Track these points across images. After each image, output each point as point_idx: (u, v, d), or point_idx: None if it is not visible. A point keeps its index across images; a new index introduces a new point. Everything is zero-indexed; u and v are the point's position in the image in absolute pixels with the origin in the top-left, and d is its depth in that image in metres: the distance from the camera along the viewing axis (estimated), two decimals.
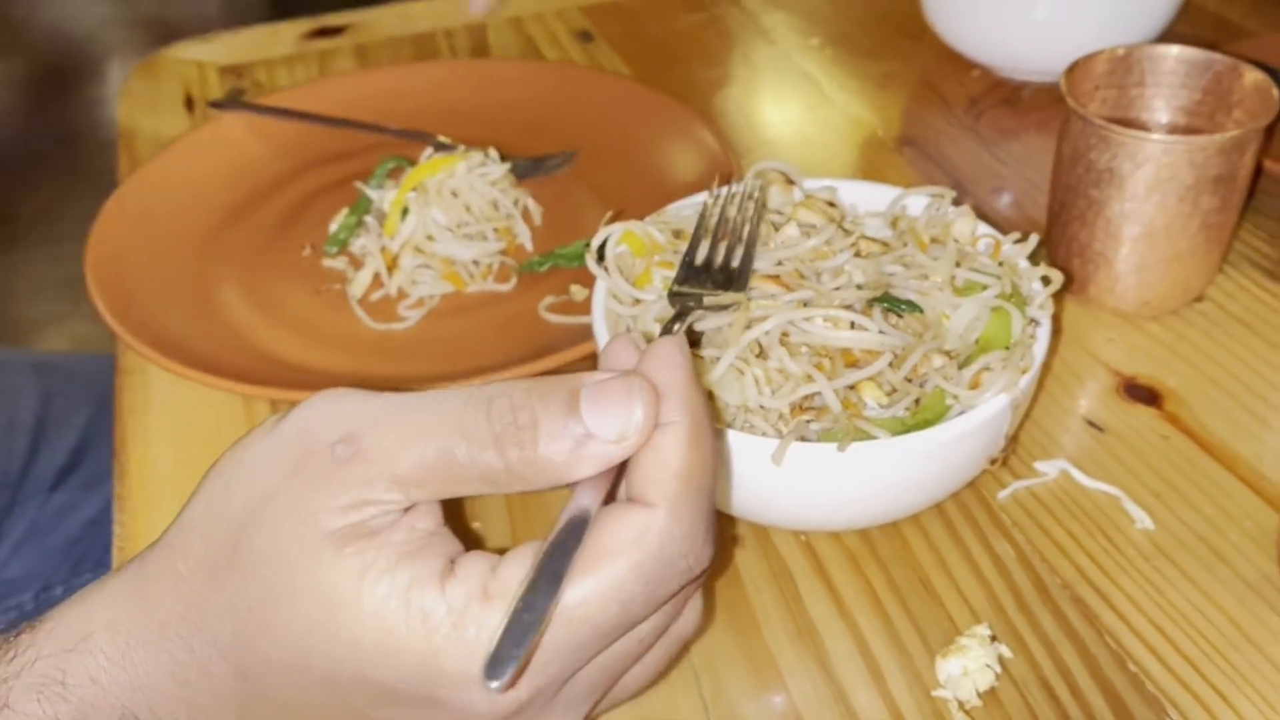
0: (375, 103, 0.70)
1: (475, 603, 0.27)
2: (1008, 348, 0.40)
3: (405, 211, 0.56)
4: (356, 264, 0.58)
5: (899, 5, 0.84)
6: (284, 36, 0.84)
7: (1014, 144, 0.69)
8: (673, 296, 0.40)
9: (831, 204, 0.47)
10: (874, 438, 0.37)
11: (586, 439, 0.28)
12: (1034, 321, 0.42)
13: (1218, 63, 0.51)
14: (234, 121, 0.68)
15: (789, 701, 0.38)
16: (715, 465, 0.30)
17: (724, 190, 0.45)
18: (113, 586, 0.32)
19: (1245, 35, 0.75)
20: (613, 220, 0.46)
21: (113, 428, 0.51)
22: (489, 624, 0.27)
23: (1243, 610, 0.40)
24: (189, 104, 0.75)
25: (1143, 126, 0.54)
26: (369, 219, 0.58)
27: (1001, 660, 0.38)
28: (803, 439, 0.37)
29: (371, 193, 0.59)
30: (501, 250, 0.58)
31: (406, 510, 0.29)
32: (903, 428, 0.38)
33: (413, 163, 0.60)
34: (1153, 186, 0.48)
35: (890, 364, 0.39)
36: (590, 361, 0.52)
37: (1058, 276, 0.42)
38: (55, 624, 0.31)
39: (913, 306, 0.41)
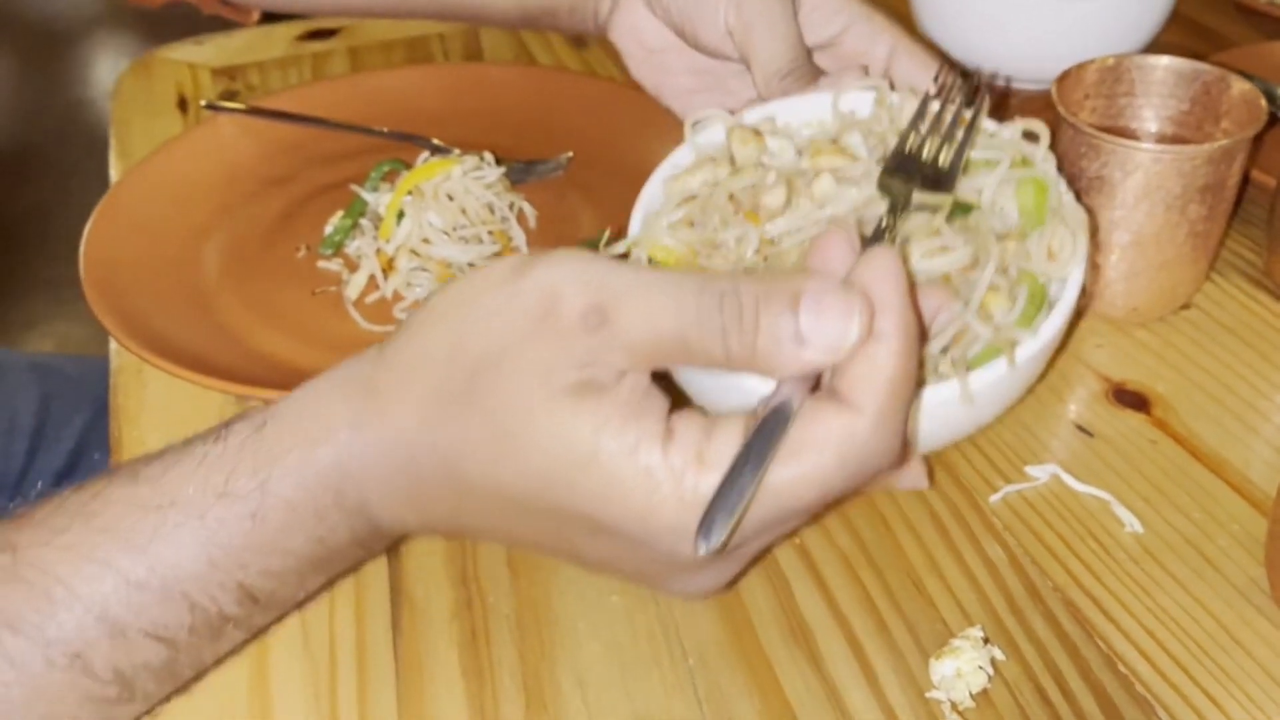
0: (369, 106, 0.70)
1: (692, 468, 0.30)
2: (1045, 213, 0.41)
3: (401, 214, 0.56)
4: (351, 266, 0.58)
5: (888, 11, 0.85)
6: (277, 39, 0.84)
7: None
8: (882, 185, 0.41)
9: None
10: (1022, 342, 0.38)
11: (801, 344, 0.31)
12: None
13: (1206, 73, 0.52)
14: (227, 123, 0.68)
15: (783, 702, 0.38)
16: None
17: (941, 84, 0.45)
18: (344, 392, 0.34)
19: (1232, 45, 0.76)
20: (612, 237, 0.46)
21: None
22: (704, 488, 0.30)
23: (1230, 613, 0.41)
24: (182, 105, 0.75)
25: (1132, 135, 0.54)
26: (364, 221, 0.59)
27: (994, 662, 0.39)
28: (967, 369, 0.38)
29: (367, 195, 0.59)
30: (496, 253, 0.58)
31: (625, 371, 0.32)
32: (1029, 320, 0.39)
33: (408, 166, 0.60)
34: (1141, 195, 0.49)
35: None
36: None
37: (1041, 128, 0.43)
38: (298, 418, 0.34)
39: (966, 207, 0.41)
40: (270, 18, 0.75)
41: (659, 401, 0.32)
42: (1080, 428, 0.49)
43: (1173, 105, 0.54)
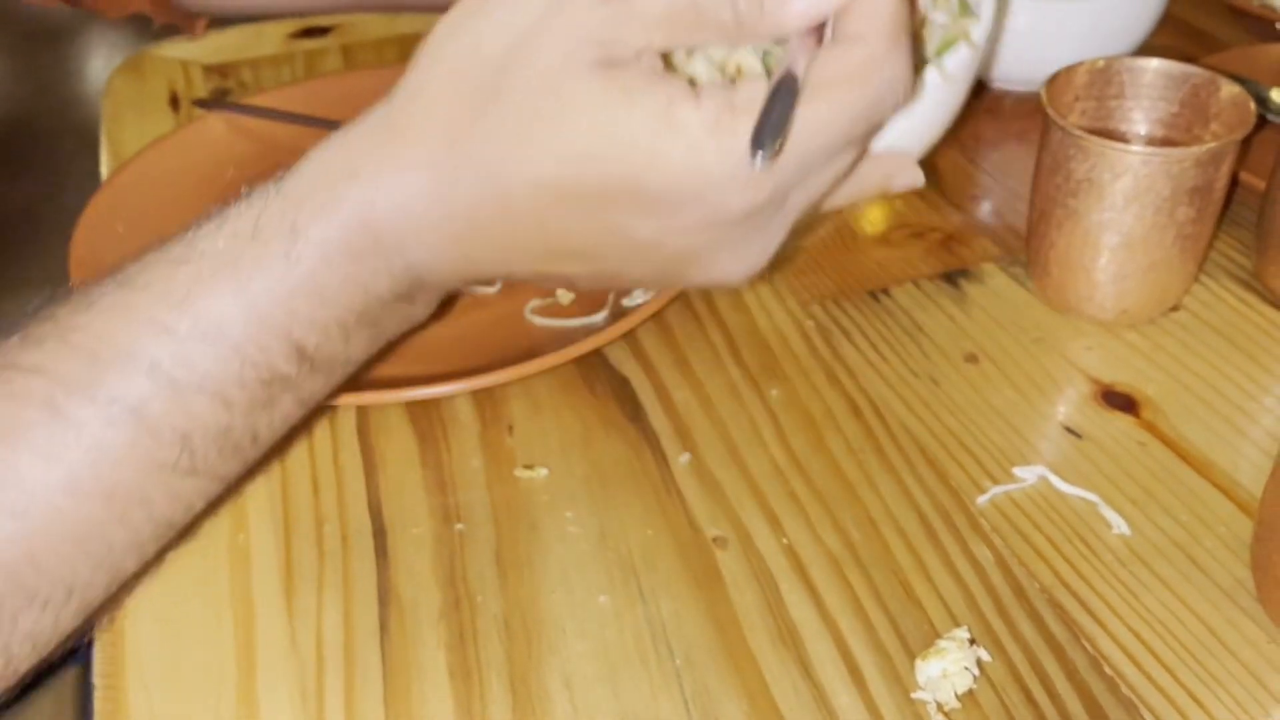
0: (362, 104, 0.69)
1: (726, 114, 0.32)
2: None
3: None
4: None
5: None
6: (270, 36, 0.83)
7: (994, 153, 0.70)
8: None
9: None
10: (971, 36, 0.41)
11: None
12: None
13: (1195, 76, 0.52)
14: (219, 121, 0.68)
15: (770, 702, 0.38)
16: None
17: None
18: (365, 139, 0.35)
19: (1223, 47, 0.76)
20: None
21: None
22: (742, 129, 0.32)
23: (1217, 615, 0.41)
24: (174, 103, 0.75)
25: (1121, 138, 0.54)
26: None
27: (980, 663, 0.39)
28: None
29: None
30: None
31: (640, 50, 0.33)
32: (967, 10, 0.42)
33: None
34: (1131, 197, 0.49)
35: None
36: (578, 364, 0.53)
37: None
38: (319, 168, 0.35)
39: None
40: (216, 22, 0.75)
41: (677, 76, 0.34)
42: (1068, 429, 0.49)
43: (1162, 108, 0.54)
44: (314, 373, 0.36)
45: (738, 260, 0.37)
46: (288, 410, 0.36)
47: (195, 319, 0.33)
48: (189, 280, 0.33)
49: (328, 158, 0.35)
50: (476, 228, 0.35)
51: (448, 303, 0.52)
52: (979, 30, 0.42)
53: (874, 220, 0.63)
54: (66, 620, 0.34)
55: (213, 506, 0.38)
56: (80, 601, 0.34)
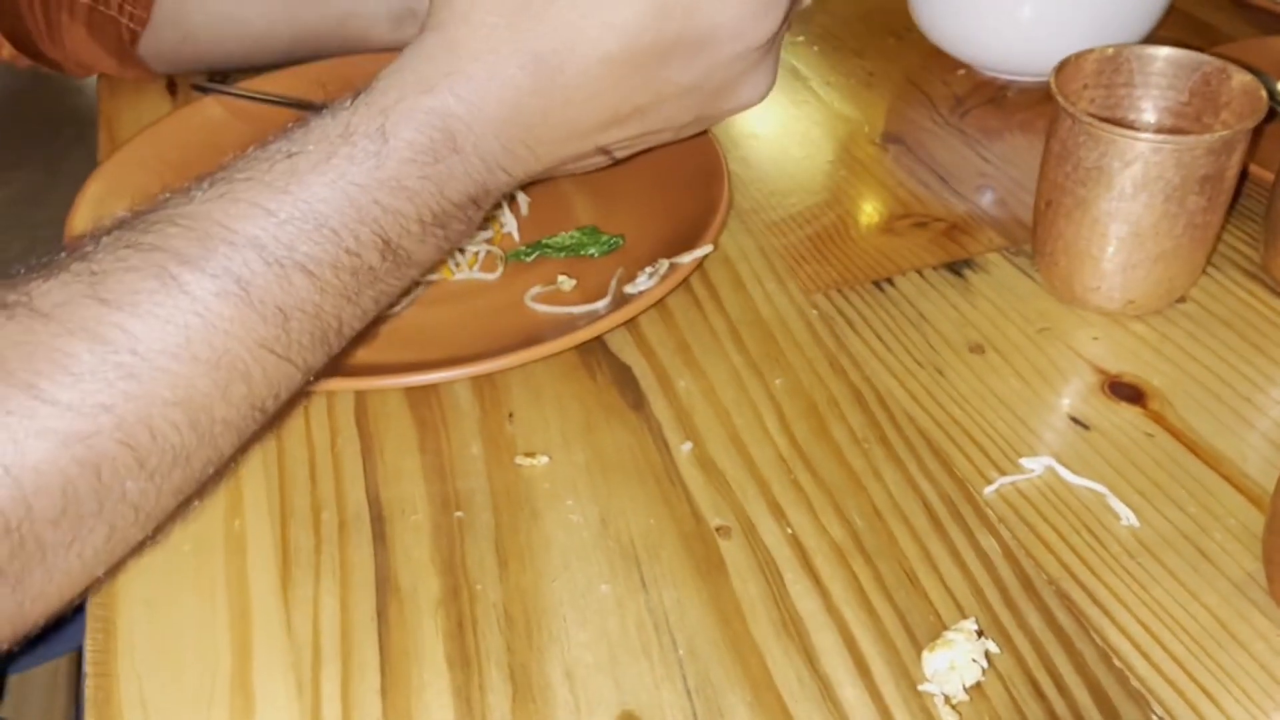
0: (360, 87, 0.69)
1: None
2: None
3: None
4: None
5: (883, 3, 0.84)
6: None
7: (999, 143, 0.69)
8: None
9: None
10: None
11: None
12: None
13: (1206, 64, 0.52)
14: (215, 105, 0.67)
15: (774, 694, 0.38)
16: None
17: None
18: (430, 61, 0.39)
19: (1229, 39, 0.76)
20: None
21: None
22: None
23: (1227, 608, 0.40)
24: (171, 87, 0.74)
25: (1130, 126, 0.54)
26: None
27: (988, 655, 0.38)
28: None
29: None
30: (488, 239, 0.57)
31: None
32: None
33: None
34: (1140, 185, 0.48)
35: None
36: (579, 351, 0.52)
37: None
38: (395, 82, 0.39)
39: None
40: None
41: None
42: (1076, 420, 0.48)
43: (1171, 96, 0.53)
44: (394, 268, 0.39)
45: (758, 85, 0.45)
46: (366, 306, 0.39)
47: (295, 204, 0.36)
48: (286, 173, 0.36)
49: (403, 78, 0.39)
50: (544, 119, 0.40)
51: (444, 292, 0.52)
52: None
53: (877, 209, 0.63)
54: (166, 498, 0.35)
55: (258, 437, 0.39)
56: (181, 476, 0.35)
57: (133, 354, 0.32)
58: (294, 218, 0.36)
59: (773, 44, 0.44)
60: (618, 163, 0.47)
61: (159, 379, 0.33)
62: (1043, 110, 0.71)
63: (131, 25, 0.66)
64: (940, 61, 0.76)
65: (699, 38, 0.40)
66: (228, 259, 0.34)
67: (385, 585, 0.42)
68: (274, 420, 0.39)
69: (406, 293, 0.54)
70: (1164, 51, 0.53)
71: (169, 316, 0.33)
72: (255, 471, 0.46)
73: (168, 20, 0.66)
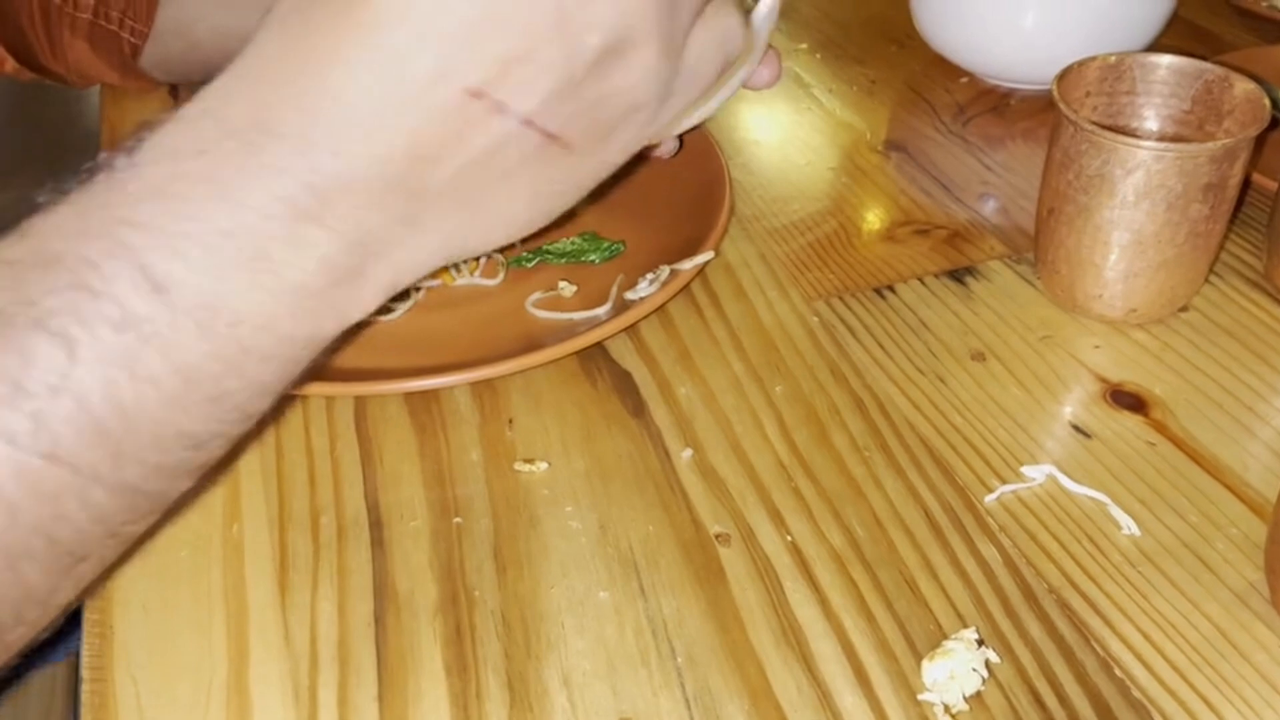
0: None
1: None
2: None
3: None
4: None
5: (886, 11, 0.84)
6: None
7: (1001, 151, 0.69)
8: None
9: None
10: None
11: None
12: None
13: (1208, 72, 0.52)
14: None
15: (773, 703, 0.37)
16: None
17: None
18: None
19: (1231, 48, 0.76)
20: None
21: None
22: None
23: (1229, 618, 0.40)
24: (174, 93, 0.74)
25: (1132, 133, 0.54)
26: None
27: (988, 664, 0.38)
28: None
29: None
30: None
31: None
32: None
33: None
34: (1143, 193, 0.48)
35: None
36: (580, 357, 0.52)
37: None
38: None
39: None
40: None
41: None
42: (1077, 428, 0.48)
43: (1174, 104, 0.53)
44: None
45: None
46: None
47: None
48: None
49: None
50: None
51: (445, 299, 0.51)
52: None
53: (878, 216, 0.63)
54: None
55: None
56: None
57: None
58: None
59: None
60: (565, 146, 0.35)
61: None
62: (1045, 118, 0.71)
63: (132, 39, 0.66)
64: (942, 69, 0.76)
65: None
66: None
67: (383, 591, 0.41)
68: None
69: (405, 296, 0.54)
70: (1166, 59, 0.53)
71: None
72: (254, 476, 0.46)
73: (170, 32, 0.66)
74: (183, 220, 0.30)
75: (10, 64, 0.68)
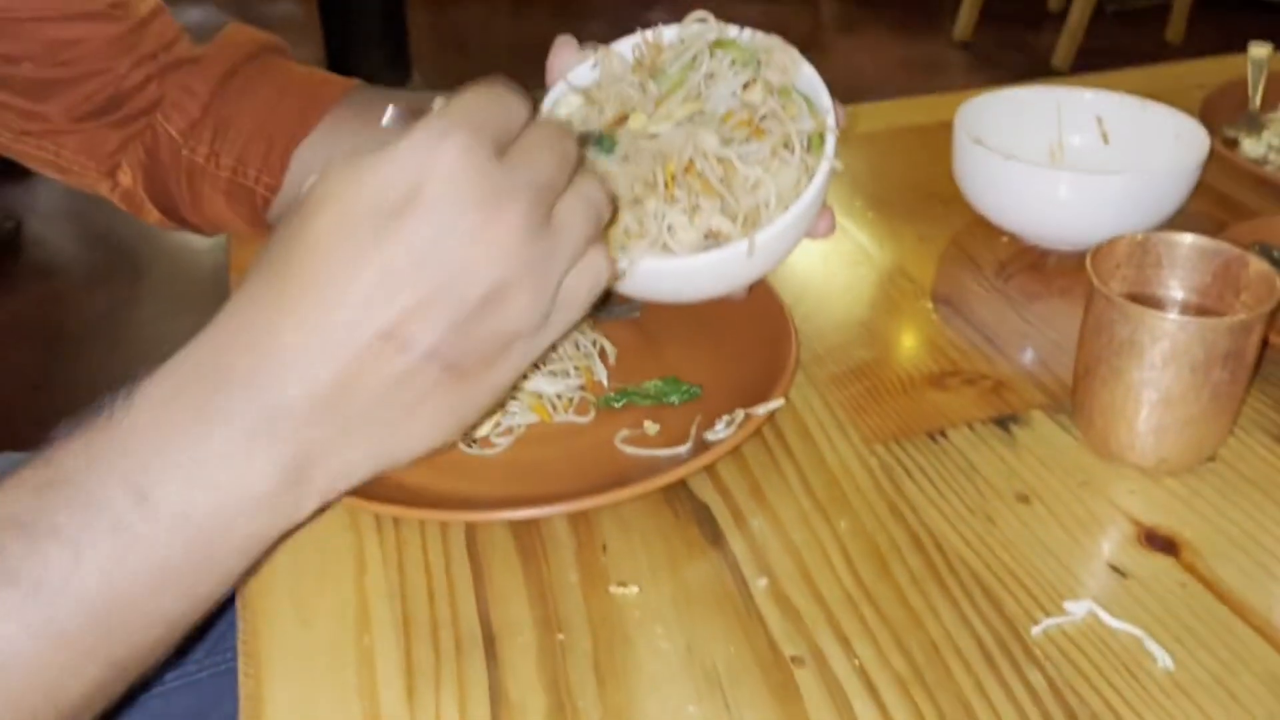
0: None
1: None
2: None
3: None
4: None
5: (932, 172, 0.92)
6: None
7: (1040, 306, 0.75)
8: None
9: None
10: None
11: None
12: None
13: (1227, 252, 0.58)
14: None
15: None
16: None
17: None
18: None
19: (1252, 214, 0.83)
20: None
21: None
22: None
23: None
24: None
25: (1159, 303, 0.60)
26: None
27: None
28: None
29: None
30: (581, 386, 0.64)
31: None
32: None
33: None
34: (1168, 359, 0.54)
35: None
36: (663, 490, 0.58)
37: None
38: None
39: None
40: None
41: None
42: (1114, 568, 0.54)
43: (1196, 278, 0.60)
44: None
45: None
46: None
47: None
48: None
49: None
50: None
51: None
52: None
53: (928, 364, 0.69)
54: None
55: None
56: None
57: None
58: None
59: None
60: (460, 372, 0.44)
61: None
62: (1080, 277, 0.77)
63: (265, 193, 0.75)
64: (985, 228, 0.83)
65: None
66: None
67: (498, 699, 0.47)
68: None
69: (509, 431, 0.61)
70: (1189, 239, 0.60)
71: None
72: (379, 592, 0.52)
73: (298, 185, 0.75)
74: (165, 445, 0.40)
75: (155, 215, 0.77)
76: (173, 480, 0.39)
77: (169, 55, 0.74)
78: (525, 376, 0.62)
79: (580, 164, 0.45)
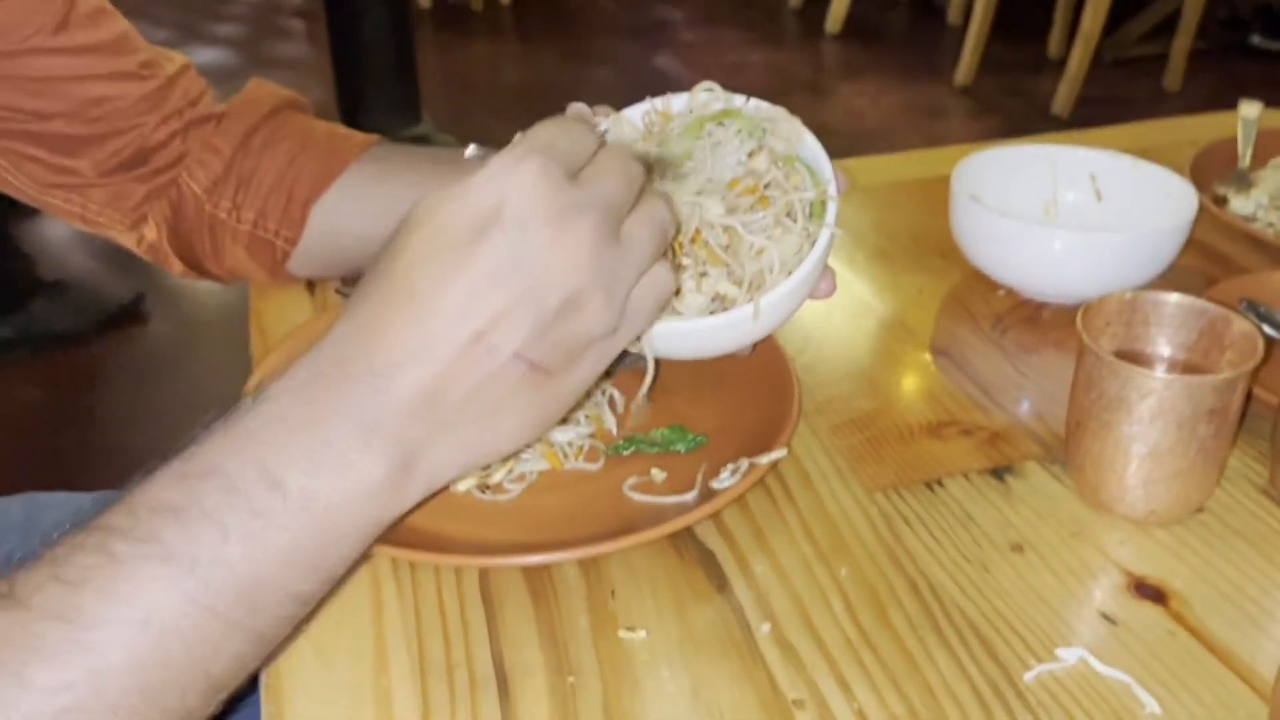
0: None
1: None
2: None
3: None
4: None
5: (930, 225, 0.95)
6: None
7: (1034, 359, 0.78)
8: None
9: None
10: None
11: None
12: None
13: (1211, 311, 0.61)
14: None
15: None
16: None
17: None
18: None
19: (1242, 270, 0.85)
20: None
21: None
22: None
23: None
24: (310, 287, 0.85)
25: (1146, 360, 0.63)
26: None
27: None
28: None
29: None
30: (591, 434, 0.66)
31: None
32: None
33: None
34: (1156, 414, 0.57)
35: None
36: (668, 536, 0.60)
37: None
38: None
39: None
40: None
41: None
42: (1105, 615, 0.56)
43: (1183, 335, 0.62)
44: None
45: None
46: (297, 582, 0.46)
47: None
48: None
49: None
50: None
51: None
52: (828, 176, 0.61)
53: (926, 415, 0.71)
54: None
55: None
56: None
57: (86, 629, 0.40)
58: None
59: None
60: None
61: (109, 650, 0.40)
62: (1073, 331, 0.80)
63: (284, 246, 0.78)
64: (981, 281, 0.86)
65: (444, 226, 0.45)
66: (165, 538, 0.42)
67: None
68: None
69: (521, 478, 0.63)
70: (1174, 298, 0.62)
71: (111, 588, 0.40)
72: (396, 634, 0.54)
73: (318, 239, 0.78)
74: (293, 437, 0.44)
75: (179, 266, 0.80)
76: (299, 468, 0.44)
77: (194, 112, 0.77)
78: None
79: (646, 186, 0.50)
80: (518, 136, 0.48)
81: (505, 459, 0.63)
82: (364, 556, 0.48)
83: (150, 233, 0.78)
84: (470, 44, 4.28)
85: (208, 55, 3.95)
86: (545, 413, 0.49)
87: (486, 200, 0.45)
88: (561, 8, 4.70)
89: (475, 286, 0.45)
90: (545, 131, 0.47)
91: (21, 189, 0.76)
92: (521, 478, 0.64)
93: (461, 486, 0.62)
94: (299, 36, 4.34)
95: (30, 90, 0.71)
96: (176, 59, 0.78)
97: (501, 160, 0.45)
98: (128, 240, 0.79)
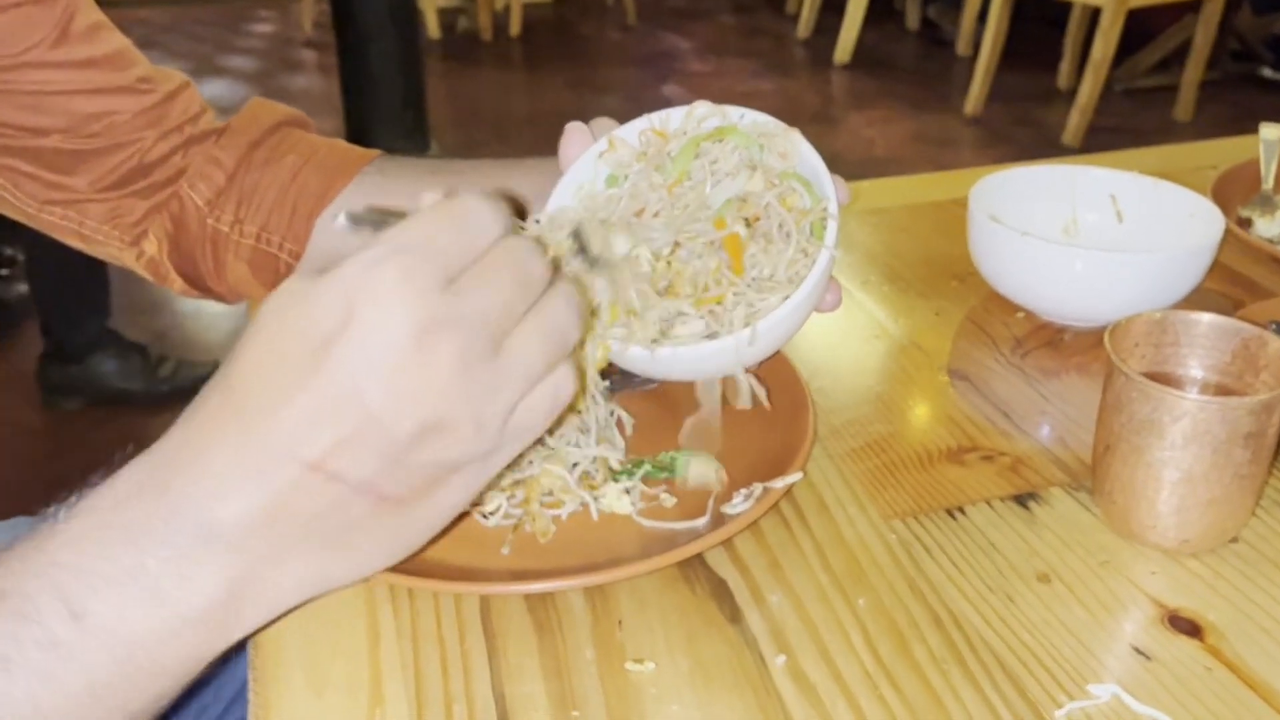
0: None
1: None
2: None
3: None
4: None
5: (947, 248, 0.93)
6: None
7: (1056, 383, 0.75)
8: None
9: None
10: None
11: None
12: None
13: (1245, 331, 0.58)
14: None
15: None
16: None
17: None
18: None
19: (1268, 294, 0.83)
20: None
21: None
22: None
23: None
24: None
25: (1178, 381, 0.60)
26: None
27: None
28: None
29: None
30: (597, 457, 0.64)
31: None
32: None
33: None
34: (1189, 438, 0.54)
35: None
36: (678, 564, 0.58)
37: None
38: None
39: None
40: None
41: None
42: (1138, 650, 0.53)
43: (1215, 356, 0.60)
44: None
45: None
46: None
47: None
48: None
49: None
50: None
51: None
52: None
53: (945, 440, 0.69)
54: None
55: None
56: None
57: None
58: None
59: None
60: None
61: None
62: (1097, 354, 0.78)
63: (289, 260, 0.76)
64: (1000, 304, 0.84)
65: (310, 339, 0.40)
66: None
67: None
68: None
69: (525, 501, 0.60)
70: (1206, 318, 0.60)
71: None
72: (393, 665, 0.52)
73: (322, 254, 0.76)
74: (97, 561, 0.40)
75: (179, 284, 0.78)
76: (106, 595, 0.39)
77: (194, 128, 0.76)
78: (541, 441, 0.62)
79: (549, 285, 0.44)
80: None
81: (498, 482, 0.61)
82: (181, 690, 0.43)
83: (151, 248, 0.76)
84: (479, 72, 4.30)
85: (219, 88, 3.97)
86: (405, 540, 0.45)
87: (333, 310, 0.39)
88: (570, 37, 4.72)
89: (312, 411, 0.40)
90: (424, 222, 0.41)
91: (19, 207, 0.74)
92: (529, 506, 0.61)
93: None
94: (310, 68, 4.37)
95: (27, 105, 0.69)
96: (175, 76, 0.77)
97: (358, 260, 0.40)
98: (127, 257, 0.77)
